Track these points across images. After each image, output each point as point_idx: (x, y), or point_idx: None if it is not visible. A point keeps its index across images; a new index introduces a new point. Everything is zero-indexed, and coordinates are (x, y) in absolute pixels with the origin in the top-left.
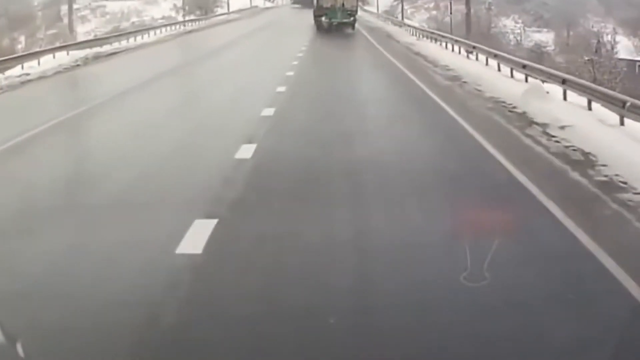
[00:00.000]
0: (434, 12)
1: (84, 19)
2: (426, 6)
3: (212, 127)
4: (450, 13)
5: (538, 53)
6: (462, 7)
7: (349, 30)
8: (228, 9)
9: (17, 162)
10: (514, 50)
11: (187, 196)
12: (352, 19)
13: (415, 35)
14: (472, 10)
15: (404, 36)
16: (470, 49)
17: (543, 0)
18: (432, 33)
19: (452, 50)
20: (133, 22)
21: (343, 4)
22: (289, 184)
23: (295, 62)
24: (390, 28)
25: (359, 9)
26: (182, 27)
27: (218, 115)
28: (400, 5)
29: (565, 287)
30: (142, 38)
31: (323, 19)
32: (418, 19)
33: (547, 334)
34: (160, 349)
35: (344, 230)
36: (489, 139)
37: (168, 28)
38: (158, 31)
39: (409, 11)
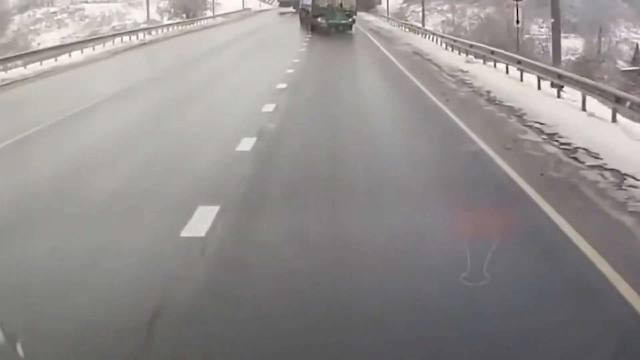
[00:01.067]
0: (449, 15)
1: (60, 23)
2: (439, 9)
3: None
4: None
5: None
6: (476, 10)
7: (349, 31)
8: (213, 12)
9: None
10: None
11: None
12: (350, 19)
13: (450, 49)
14: (492, 13)
15: (438, 52)
16: (557, 84)
17: (569, 2)
18: (473, 47)
19: (539, 86)
20: (114, 27)
21: (341, 4)
22: None
23: (268, 113)
24: (412, 38)
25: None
26: (147, 35)
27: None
28: (409, 7)
29: None
30: (83, 52)
31: (319, 19)
32: (431, 23)
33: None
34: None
35: None
36: None
37: (132, 36)
38: (117, 40)
39: (420, 14)
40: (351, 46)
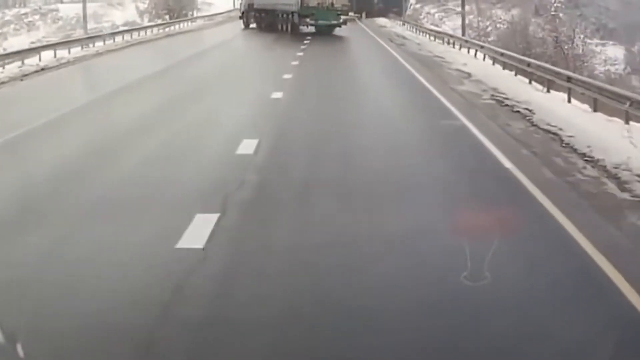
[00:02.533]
0: (470, 17)
1: (31, 25)
2: (458, 10)
3: None
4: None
5: None
6: (500, 12)
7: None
8: (193, 14)
9: None
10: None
11: None
12: (341, 20)
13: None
14: (519, 17)
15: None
16: None
17: (605, 5)
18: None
19: None
20: (89, 29)
21: (332, 3)
22: None
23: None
24: (451, 55)
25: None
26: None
27: None
28: (423, 9)
29: None
30: None
31: (308, 20)
32: (450, 26)
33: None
34: None
35: None
36: None
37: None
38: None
39: (436, 15)
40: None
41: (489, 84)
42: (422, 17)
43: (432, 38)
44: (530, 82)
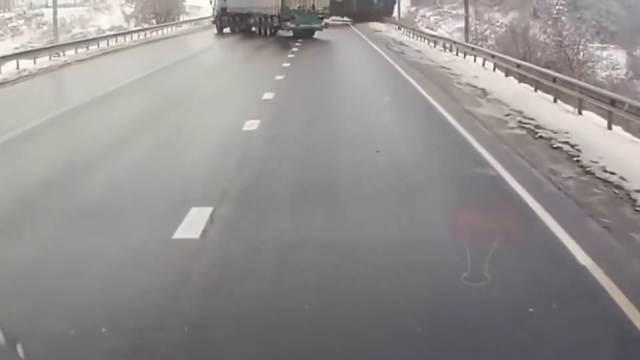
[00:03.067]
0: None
1: (15, 30)
2: (454, 13)
3: None
4: None
5: None
6: (497, 15)
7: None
8: (180, 18)
9: None
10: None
11: None
12: (323, 22)
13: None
14: (518, 20)
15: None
16: None
17: (605, 7)
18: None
19: None
20: (73, 35)
21: (313, 5)
22: None
23: None
24: (465, 69)
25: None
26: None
27: None
28: (418, 12)
29: None
30: None
31: (289, 24)
32: (445, 29)
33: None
34: None
35: None
36: None
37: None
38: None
39: (432, 19)
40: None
41: (510, 104)
42: (417, 20)
43: (431, 44)
44: (555, 101)
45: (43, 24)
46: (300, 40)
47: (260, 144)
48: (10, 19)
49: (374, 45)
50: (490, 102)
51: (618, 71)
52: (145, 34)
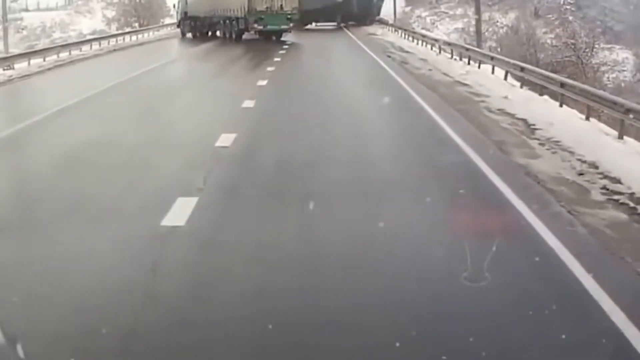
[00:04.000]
0: (465, 21)
1: None
2: (451, 13)
3: None
4: None
5: None
6: (497, 15)
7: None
8: (144, 22)
9: None
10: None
11: None
12: (291, 24)
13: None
14: (519, 20)
15: None
16: None
17: (610, 7)
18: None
19: None
20: (53, 40)
21: (281, 6)
22: None
23: None
24: (488, 86)
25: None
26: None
27: None
28: (414, 12)
29: None
30: None
31: (256, 25)
32: (443, 30)
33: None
34: None
35: None
36: None
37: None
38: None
39: (428, 19)
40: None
41: (574, 149)
42: (412, 20)
43: (435, 49)
44: (621, 138)
45: (22, 29)
46: (286, 45)
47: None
48: None
49: (371, 53)
50: (546, 146)
51: (625, 73)
52: (117, 40)
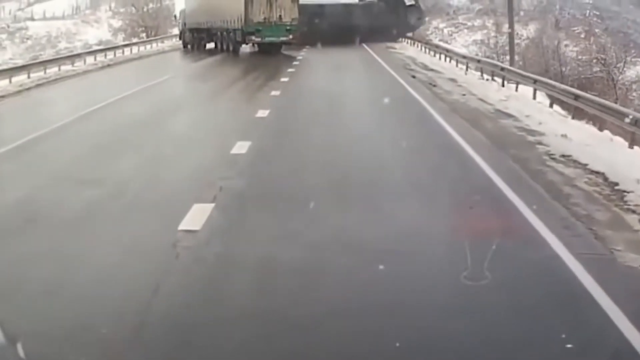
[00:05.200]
0: (484, 32)
1: None
2: (469, 24)
3: None
4: None
5: None
6: (517, 26)
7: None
8: (152, 33)
9: None
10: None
11: None
12: (290, 36)
13: None
14: (540, 32)
15: None
16: None
17: (633, 18)
18: None
19: None
20: (58, 50)
21: (280, 17)
22: None
23: None
24: (540, 119)
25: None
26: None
27: None
28: (430, 24)
29: None
30: None
31: (254, 37)
32: (461, 42)
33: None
34: None
35: None
36: None
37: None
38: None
39: (445, 31)
40: None
41: None
42: (429, 32)
43: (460, 65)
44: None
45: (27, 39)
46: (296, 60)
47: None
48: None
49: (392, 72)
50: None
51: None
52: (115, 53)
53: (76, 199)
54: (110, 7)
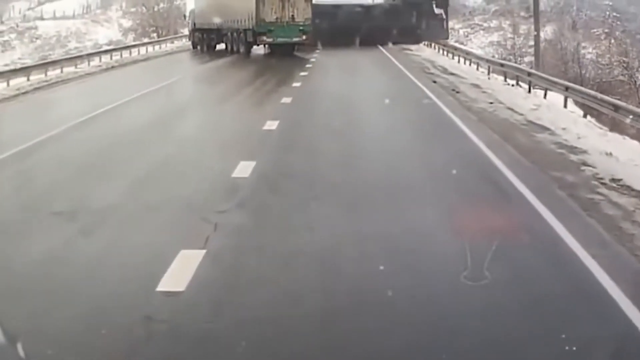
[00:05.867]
0: (500, 34)
1: (7, 45)
2: (485, 25)
3: None
4: None
5: None
6: (532, 28)
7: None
8: (162, 33)
9: None
10: None
11: None
12: (303, 37)
13: None
14: (551, 32)
15: None
16: None
17: None
18: None
19: None
20: (68, 50)
21: (293, 17)
22: None
23: None
24: (587, 139)
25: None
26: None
27: None
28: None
29: None
30: None
31: (265, 38)
32: (477, 44)
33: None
34: None
35: None
36: None
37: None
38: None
39: (461, 32)
40: None
41: None
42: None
43: (481, 69)
44: None
45: (36, 38)
46: (309, 63)
47: None
48: (1, 32)
49: (412, 76)
50: None
51: None
52: (122, 54)
53: (40, 237)
54: (121, 6)
